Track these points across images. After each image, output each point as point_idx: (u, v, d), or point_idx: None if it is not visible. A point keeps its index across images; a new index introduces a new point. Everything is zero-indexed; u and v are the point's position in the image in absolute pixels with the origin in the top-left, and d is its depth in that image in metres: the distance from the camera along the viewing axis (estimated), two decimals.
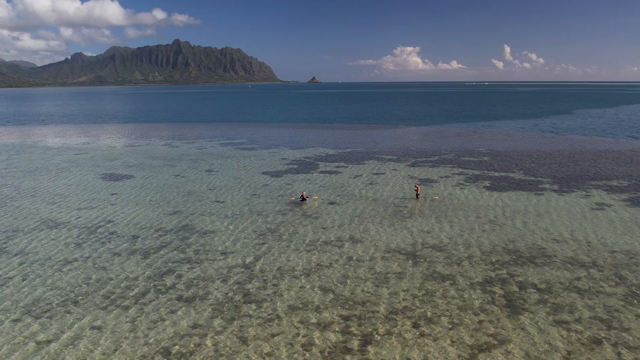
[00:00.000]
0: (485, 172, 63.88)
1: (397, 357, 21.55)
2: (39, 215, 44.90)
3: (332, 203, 48.41)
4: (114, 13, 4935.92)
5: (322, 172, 65.03)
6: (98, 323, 24.67)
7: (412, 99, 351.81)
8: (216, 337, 23.36)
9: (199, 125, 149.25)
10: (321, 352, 21.99)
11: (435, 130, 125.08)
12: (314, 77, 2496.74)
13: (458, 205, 46.94)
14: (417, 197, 50.04)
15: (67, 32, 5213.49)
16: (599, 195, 50.11)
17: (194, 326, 24.31)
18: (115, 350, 22.18)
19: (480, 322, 24.49)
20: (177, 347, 22.45)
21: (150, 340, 23.00)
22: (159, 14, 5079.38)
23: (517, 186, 54.86)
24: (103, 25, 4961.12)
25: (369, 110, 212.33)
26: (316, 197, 49.31)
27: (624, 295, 27.27)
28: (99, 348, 22.39)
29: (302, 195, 47.63)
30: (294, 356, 21.73)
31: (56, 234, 39.40)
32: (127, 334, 23.54)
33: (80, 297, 27.76)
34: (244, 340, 22.97)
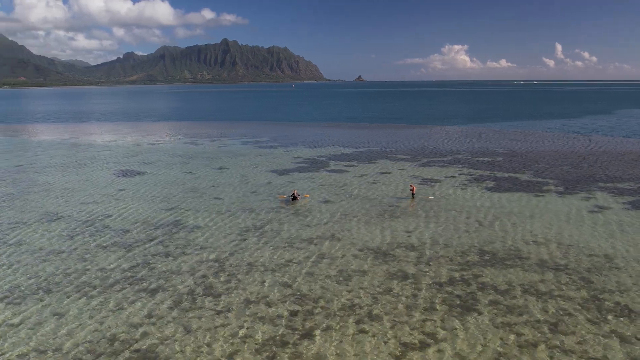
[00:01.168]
0: (493, 172, 63.17)
1: (330, 352, 22.08)
2: (44, 208, 47.30)
3: (326, 201, 49.02)
4: (164, 13, 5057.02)
5: (329, 170, 65.70)
6: (61, 310, 26.15)
7: (451, 98, 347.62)
8: (163, 327, 24.43)
9: (228, 123, 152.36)
10: (256, 344, 22.76)
11: (459, 129, 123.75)
12: (360, 76, 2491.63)
13: (451, 206, 46.84)
14: (412, 196, 49.92)
15: (119, 32, 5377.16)
16: (597, 199, 49.08)
17: (148, 316, 25.46)
18: (68, 335, 23.60)
19: (423, 321, 24.80)
20: (124, 334, 23.65)
21: (102, 327, 24.35)
22: (207, 14, 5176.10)
23: (519, 188, 54.14)
24: (154, 25, 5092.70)
25: (401, 109, 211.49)
26: (307, 196, 49.93)
27: (583, 299, 26.97)
28: (55, 333, 23.83)
29: (293, 194, 48.32)
30: (228, 347, 22.55)
31: (54, 226, 41.56)
32: (84, 321, 24.95)
33: (53, 285, 29.44)
34: (188, 331, 23.95)
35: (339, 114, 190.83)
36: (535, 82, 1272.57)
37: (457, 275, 30.60)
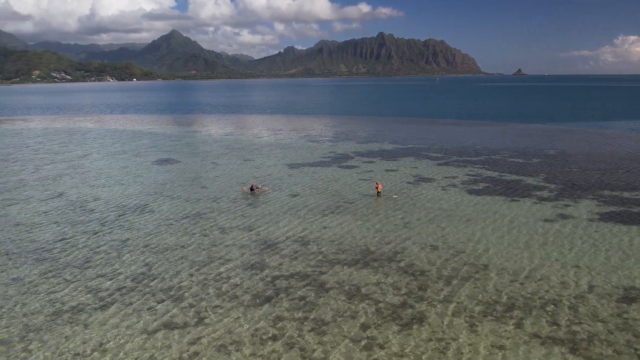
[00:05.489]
0: (501, 174, 60.43)
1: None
2: (58, 189, 56.14)
3: (294, 195, 51.81)
4: (322, 8, 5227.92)
5: (340, 166, 67.70)
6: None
7: (597, 93, 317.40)
8: (46, 296, 29.20)
9: (312, 117, 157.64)
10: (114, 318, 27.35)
11: (531, 128, 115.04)
12: (519, 70, 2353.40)
13: (415, 207, 46.63)
14: (378, 195, 50.84)
15: (280, 27, 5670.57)
16: (590, 207, 45.61)
17: (48, 293, 30.35)
18: None
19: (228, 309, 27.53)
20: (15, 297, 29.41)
21: (9, 292, 29.73)
22: (364, 8, 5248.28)
23: (513, 192, 51.79)
24: (312, 20, 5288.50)
25: (510, 107, 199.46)
26: (266, 188, 53.09)
27: (443, 303, 27.57)
28: None
29: (251, 186, 51.86)
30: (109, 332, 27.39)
31: (50, 205, 49.56)
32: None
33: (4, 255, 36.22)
34: (62, 304, 29.04)
35: (433, 109, 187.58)
36: None
37: (334, 277, 31.31)
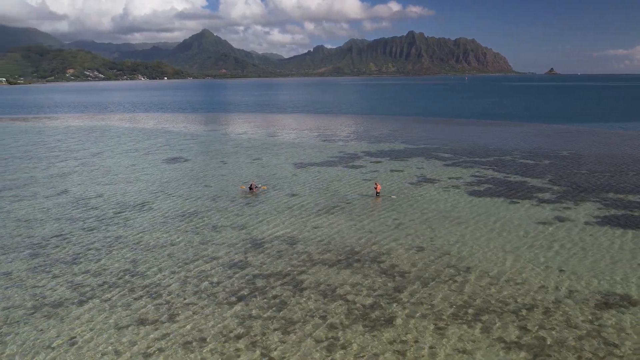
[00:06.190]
0: (507, 175, 59.58)
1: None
2: (63, 186, 57.52)
3: (293, 195, 52.11)
4: (352, 7, 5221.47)
5: (346, 166, 67.73)
6: None
7: (628, 93, 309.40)
8: (31, 290, 30.39)
9: (331, 116, 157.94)
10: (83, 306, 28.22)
11: (550, 128, 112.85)
12: (552, 69, 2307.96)
13: (412, 208, 46.42)
14: (377, 195, 50.78)
15: (310, 26, 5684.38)
16: (590, 210, 44.81)
17: (33, 287, 31.32)
18: None
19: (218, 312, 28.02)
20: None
21: None
22: (394, 6, 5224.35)
23: (514, 194, 51.16)
24: (342, 19, 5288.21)
25: (534, 107, 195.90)
26: (265, 187, 53.45)
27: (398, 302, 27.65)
28: None
29: (250, 185, 52.28)
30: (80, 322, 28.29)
31: (54, 201, 50.99)
32: None
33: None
34: (51, 298, 30.22)
35: (450, 108, 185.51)
36: None
37: (289, 269, 32.34)
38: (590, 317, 25.53)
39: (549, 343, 23.23)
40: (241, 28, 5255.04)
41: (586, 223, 41.07)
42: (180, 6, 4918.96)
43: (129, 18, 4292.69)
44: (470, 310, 26.39)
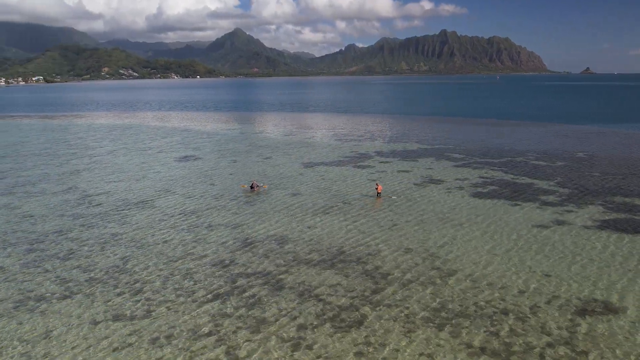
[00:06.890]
0: (515, 177, 58.65)
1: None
2: (72, 183, 58.90)
3: (294, 194, 52.40)
4: (384, 5, 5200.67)
5: (355, 165, 67.60)
6: None
7: None
8: (20, 284, 31.50)
9: (350, 115, 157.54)
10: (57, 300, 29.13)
11: (571, 129, 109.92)
12: (587, 68, 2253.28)
13: (410, 209, 46.01)
14: (378, 195, 50.71)
15: (341, 25, 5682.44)
16: (592, 214, 43.96)
17: (23, 282, 32.47)
18: None
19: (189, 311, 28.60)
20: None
21: None
22: (426, 5, 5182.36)
23: (517, 196, 50.26)
24: (373, 17, 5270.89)
25: (561, 107, 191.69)
26: (265, 187, 53.80)
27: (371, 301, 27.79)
28: None
29: (252, 184, 52.71)
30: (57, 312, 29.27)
31: (60, 198, 52.40)
32: None
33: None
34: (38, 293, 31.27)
35: (468, 109, 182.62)
36: None
37: (273, 269, 32.68)
38: (566, 324, 25.10)
39: (514, 349, 22.91)
40: (273, 27, 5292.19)
41: (584, 227, 40.21)
42: (213, 5, 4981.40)
43: (162, 17, 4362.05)
44: (443, 314, 26.18)
